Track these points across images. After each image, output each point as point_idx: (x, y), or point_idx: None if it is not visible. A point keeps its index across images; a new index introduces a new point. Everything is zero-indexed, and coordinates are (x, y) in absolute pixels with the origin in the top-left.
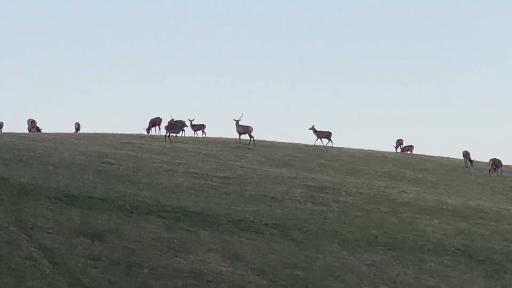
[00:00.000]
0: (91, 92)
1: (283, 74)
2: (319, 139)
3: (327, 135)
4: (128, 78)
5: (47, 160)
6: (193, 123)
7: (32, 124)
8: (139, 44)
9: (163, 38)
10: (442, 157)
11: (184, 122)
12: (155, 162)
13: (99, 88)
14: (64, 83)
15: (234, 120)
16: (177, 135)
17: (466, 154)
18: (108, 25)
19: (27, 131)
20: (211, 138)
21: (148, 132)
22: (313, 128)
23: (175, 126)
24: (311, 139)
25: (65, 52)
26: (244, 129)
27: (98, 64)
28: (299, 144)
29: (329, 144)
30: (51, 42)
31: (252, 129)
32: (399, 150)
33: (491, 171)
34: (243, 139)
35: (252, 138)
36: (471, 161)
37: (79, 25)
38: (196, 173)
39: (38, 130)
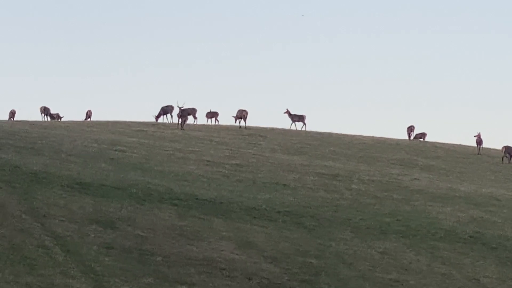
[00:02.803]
0: (103, 79)
1: (294, 62)
2: (293, 123)
3: (300, 118)
4: (140, 65)
5: (59, 148)
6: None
7: (45, 111)
8: (151, 30)
9: (177, 23)
10: (455, 145)
11: (196, 109)
12: (167, 150)
13: (110, 75)
14: (76, 70)
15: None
16: (186, 122)
17: (479, 141)
18: (120, 12)
19: (46, 119)
20: (224, 126)
21: (156, 120)
22: (287, 112)
23: (187, 113)
24: (323, 127)
25: (77, 40)
26: (240, 113)
27: (109, 51)
28: (312, 131)
29: (304, 128)
30: (62, 30)
31: (246, 113)
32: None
33: (504, 158)
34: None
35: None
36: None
37: (90, 12)
38: (208, 160)
39: (53, 117)
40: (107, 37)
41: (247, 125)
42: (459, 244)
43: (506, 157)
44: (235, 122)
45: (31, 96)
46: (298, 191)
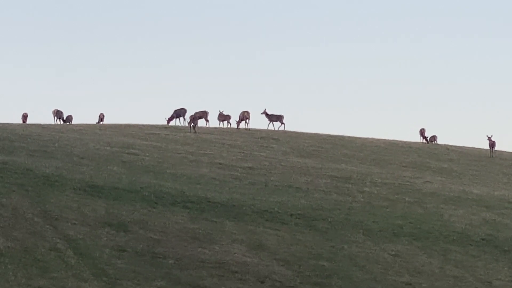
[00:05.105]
0: (115, 82)
1: (307, 64)
2: (271, 123)
3: (278, 118)
4: (152, 67)
5: (72, 151)
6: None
7: (58, 115)
8: (163, 33)
9: (189, 26)
10: (467, 147)
11: (208, 112)
12: (179, 153)
13: (123, 78)
14: (88, 73)
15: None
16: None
17: (492, 143)
18: (130, 15)
19: (59, 122)
20: (236, 128)
21: (168, 123)
22: (265, 113)
23: (199, 116)
24: (336, 130)
25: (90, 43)
26: (242, 115)
27: (122, 54)
28: (324, 134)
29: (281, 128)
30: (74, 33)
31: (248, 114)
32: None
33: None
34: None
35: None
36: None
37: (100, 15)
38: (220, 163)
39: (64, 121)
40: (120, 39)
41: (249, 126)
42: (472, 247)
43: None
44: (238, 126)
45: (43, 99)
46: (310, 194)
